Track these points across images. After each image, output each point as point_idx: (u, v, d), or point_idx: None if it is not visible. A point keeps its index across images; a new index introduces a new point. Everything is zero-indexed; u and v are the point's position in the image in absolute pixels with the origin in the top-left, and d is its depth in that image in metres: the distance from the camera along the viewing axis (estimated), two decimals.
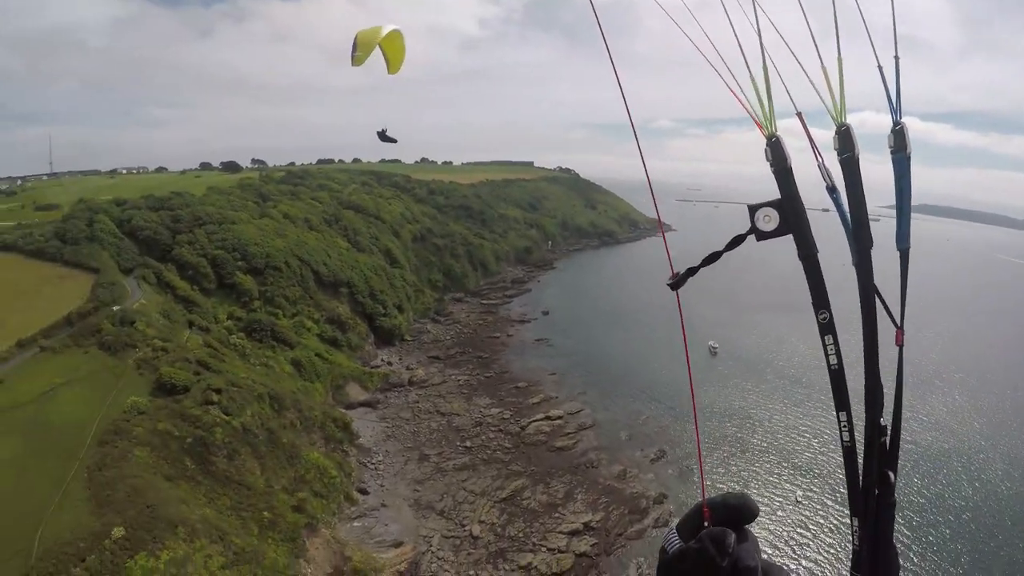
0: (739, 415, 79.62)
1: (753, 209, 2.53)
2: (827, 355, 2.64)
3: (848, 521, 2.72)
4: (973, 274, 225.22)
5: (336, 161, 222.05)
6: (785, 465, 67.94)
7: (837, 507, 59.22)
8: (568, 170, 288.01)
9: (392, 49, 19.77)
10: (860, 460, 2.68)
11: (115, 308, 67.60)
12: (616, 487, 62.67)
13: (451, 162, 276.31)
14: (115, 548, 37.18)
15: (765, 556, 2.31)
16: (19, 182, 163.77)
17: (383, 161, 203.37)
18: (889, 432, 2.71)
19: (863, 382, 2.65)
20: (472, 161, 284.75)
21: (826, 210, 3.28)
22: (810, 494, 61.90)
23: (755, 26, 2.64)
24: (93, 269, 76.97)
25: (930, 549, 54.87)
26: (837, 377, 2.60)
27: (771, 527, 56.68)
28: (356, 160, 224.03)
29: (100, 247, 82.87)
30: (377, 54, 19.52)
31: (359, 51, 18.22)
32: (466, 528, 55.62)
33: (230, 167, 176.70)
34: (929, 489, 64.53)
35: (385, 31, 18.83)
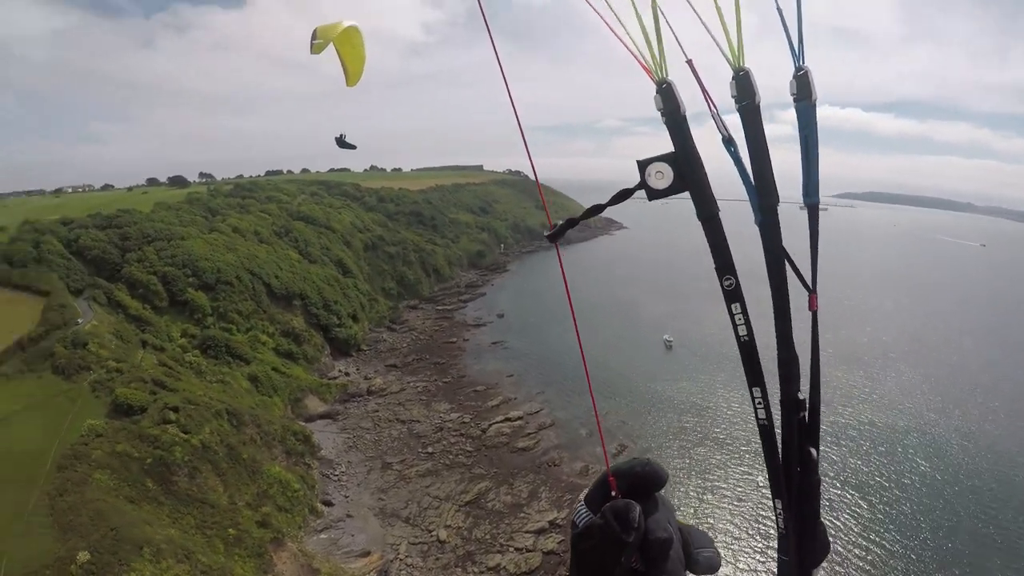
0: (697, 407, 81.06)
1: (643, 165, 2.27)
2: (735, 325, 2.41)
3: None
4: (920, 257, 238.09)
5: (285, 172, 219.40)
6: (746, 452, 69.01)
7: None
8: (518, 172, 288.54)
9: (351, 56, 20.09)
10: (779, 438, 2.51)
11: (78, 322, 67.28)
12: (579, 484, 63.54)
13: (401, 168, 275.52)
14: (81, 573, 36.67)
15: (694, 522, 2.55)
16: None
17: (332, 170, 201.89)
18: (808, 406, 2.55)
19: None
20: (422, 167, 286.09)
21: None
22: None
23: None
24: (43, 292, 74.83)
25: (892, 524, 56.84)
26: (748, 349, 2.42)
27: (737, 520, 57.84)
28: (305, 170, 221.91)
29: (48, 269, 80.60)
30: (335, 59, 19.90)
31: (318, 39, 18.62)
32: (433, 533, 56.06)
33: (177, 182, 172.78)
34: (888, 468, 66.72)
35: (345, 24, 19.25)
